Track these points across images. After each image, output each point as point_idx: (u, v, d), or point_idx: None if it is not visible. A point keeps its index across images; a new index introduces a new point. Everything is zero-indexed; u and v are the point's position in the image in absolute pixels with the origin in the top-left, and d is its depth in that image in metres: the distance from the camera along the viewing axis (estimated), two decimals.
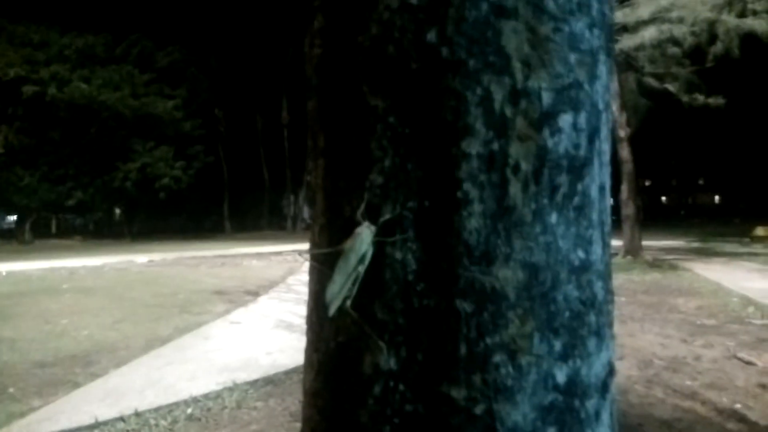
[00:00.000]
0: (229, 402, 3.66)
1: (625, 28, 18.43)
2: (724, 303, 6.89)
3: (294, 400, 3.65)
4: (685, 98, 15.24)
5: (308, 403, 0.74)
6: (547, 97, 0.63)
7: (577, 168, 0.66)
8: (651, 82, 18.01)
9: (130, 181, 24.35)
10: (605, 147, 0.70)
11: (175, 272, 11.28)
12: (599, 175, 0.69)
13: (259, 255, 14.63)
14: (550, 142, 0.64)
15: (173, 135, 25.43)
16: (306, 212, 31.89)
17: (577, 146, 0.66)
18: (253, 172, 31.06)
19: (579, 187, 0.66)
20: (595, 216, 0.68)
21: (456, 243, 0.63)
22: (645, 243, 12.66)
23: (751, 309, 6.39)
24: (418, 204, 0.64)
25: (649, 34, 17.71)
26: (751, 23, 16.15)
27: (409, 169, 0.64)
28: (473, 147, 0.62)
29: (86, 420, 3.31)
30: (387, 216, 0.64)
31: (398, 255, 0.64)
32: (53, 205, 24.98)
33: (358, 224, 0.65)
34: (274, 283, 9.15)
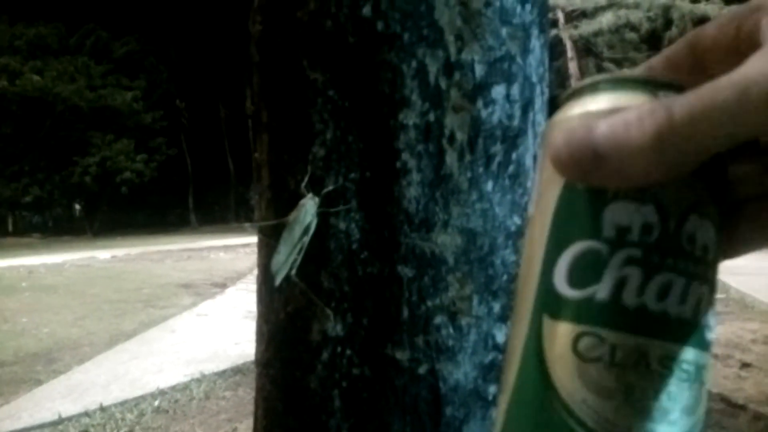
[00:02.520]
0: (197, 393, 3.64)
1: (584, 14, 18.78)
2: None
3: None
4: None
5: (260, 373, 0.76)
6: (479, 70, 0.66)
7: (511, 138, 0.69)
8: (610, 67, 18.44)
9: (90, 176, 23.66)
10: (540, 118, 0.74)
11: (139, 267, 11.07)
12: (534, 144, 0.72)
13: (226, 247, 14.46)
14: (483, 113, 0.67)
15: (133, 128, 24.79)
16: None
17: (510, 117, 0.69)
18: (218, 164, 30.56)
19: (513, 156, 0.69)
20: (530, 184, 0.72)
21: (396, 211, 0.65)
22: None
23: None
24: (359, 175, 0.66)
25: (606, 19, 18.10)
26: (704, 8, 16.63)
27: (350, 141, 0.66)
28: (410, 118, 0.65)
29: (49, 417, 3.25)
30: (330, 187, 0.66)
31: (342, 225, 0.66)
32: (9, 202, 24.12)
33: (302, 196, 0.67)
34: (242, 275, 9.08)
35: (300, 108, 0.68)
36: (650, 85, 0.22)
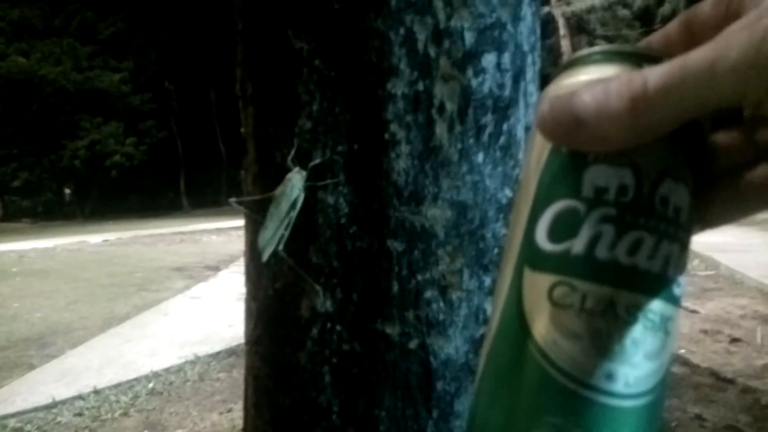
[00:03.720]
0: (192, 375, 3.65)
1: None
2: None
3: None
4: None
5: (249, 351, 0.75)
6: (469, 37, 0.64)
7: (502, 108, 0.67)
8: (603, 44, 18.31)
9: (79, 160, 23.40)
10: (531, 88, 0.72)
11: (131, 251, 11.01)
12: (525, 115, 0.71)
13: (218, 230, 14.40)
14: (474, 82, 0.65)
15: (122, 110, 24.46)
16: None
17: (501, 86, 0.67)
18: (209, 147, 30.29)
19: (504, 126, 0.68)
20: (521, 156, 0.70)
21: (385, 184, 0.64)
22: None
23: (696, 261, 6.72)
24: (347, 147, 0.64)
25: None
26: None
27: (337, 113, 0.64)
28: (398, 88, 0.63)
29: (43, 400, 3.24)
30: (317, 160, 0.65)
31: (330, 199, 0.65)
32: None
33: (289, 170, 0.65)
34: (234, 258, 9.05)
35: (285, 79, 0.66)
36: (637, 57, 0.24)
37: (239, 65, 0.74)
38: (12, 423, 3.00)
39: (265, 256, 0.65)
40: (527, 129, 0.71)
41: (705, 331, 4.11)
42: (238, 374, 3.67)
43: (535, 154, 0.26)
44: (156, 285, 6.98)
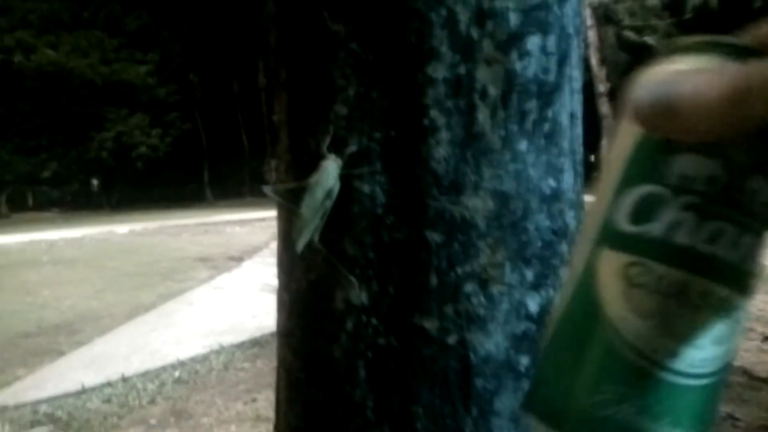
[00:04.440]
0: (216, 364, 3.69)
1: None
2: None
3: None
4: None
5: (282, 344, 0.73)
6: (514, 18, 0.61)
7: (547, 93, 0.64)
8: (630, 35, 17.95)
9: (106, 151, 23.84)
10: (576, 74, 0.69)
11: (157, 241, 11.19)
12: (570, 102, 0.67)
13: (242, 221, 14.55)
14: (518, 66, 0.62)
15: (147, 102, 24.80)
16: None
17: (546, 70, 0.64)
18: (232, 138, 30.55)
19: (549, 113, 0.64)
20: (566, 144, 0.67)
21: (424, 173, 0.61)
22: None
23: None
24: (384, 134, 0.62)
25: None
26: None
27: (374, 98, 0.62)
28: (439, 71, 0.60)
29: (73, 387, 3.32)
30: (353, 148, 0.62)
31: (366, 188, 0.63)
32: (28, 177, 24.41)
33: (323, 158, 0.63)
34: (257, 249, 9.13)
35: (320, 63, 0.63)
36: (736, 49, 0.24)
37: (272, 50, 0.72)
38: (44, 408, 3.07)
39: (300, 247, 0.63)
40: (572, 116, 0.68)
41: None
42: (262, 364, 3.70)
43: (623, 138, 0.26)
44: (181, 275, 7.08)
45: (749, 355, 3.49)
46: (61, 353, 4.07)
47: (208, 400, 3.16)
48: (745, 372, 3.22)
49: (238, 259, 8.13)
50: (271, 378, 3.42)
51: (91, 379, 3.44)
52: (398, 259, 0.62)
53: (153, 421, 2.94)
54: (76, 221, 17.78)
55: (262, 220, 14.46)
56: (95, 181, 28.01)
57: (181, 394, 3.26)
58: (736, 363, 3.35)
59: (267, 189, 0.67)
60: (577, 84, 0.69)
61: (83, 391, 3.28)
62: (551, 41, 0.64)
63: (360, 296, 0.63)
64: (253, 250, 8.96)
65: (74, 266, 8.23)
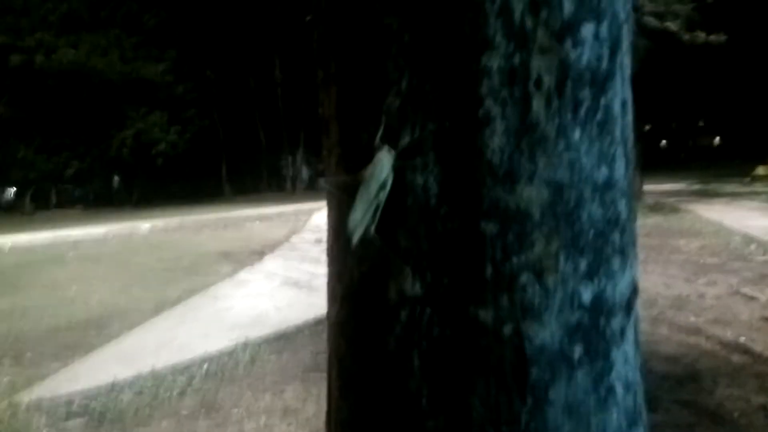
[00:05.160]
0: (243, 358, 3.74)
1: None
2: (726, 242, 6.94)
3: (306, 354, 3.73)
4: (686, 36, 14.88)
5: (334, 333, 0.74)
6: (568, 6, 0.60)
7: (600, 81, 0.64)
8: (651, 21, 17.58)
9: (127, 149, 24.15)
10: (626, 61, 0.68)
11: (178, 237, 11.34)
12: (621, 89, 0.67)
13: (260, 216, 14.66)
14: (572, 54, 0.61)
15: (166, 99, 25.03)
16: (304, 172, 31.73)
17: (599, 58, 0.63)
18: (249, 134, 30.73)
19: (602, 101, 0.64)
20: (618, 132, 0.66)
21: (478, 163, 0.61)
22: (646, 188, 12.62)
23: (753, 246, 6.44)
24: (437, 125, 0.62)
25: None
26: None
27: (428, 90, 0.62)
28: (494, 61, 0.60)
29: (105, 379, 3.38)
30: (406, 140, 0.63)
31: (419, 179, 0.63)
32: (51, 176, 24.87)
33: (376, 151, 0.63)
34: (278, 243, 9.20)
35: (373, 56, 0.63)
36: None
37: (320, 47, 0.72)
38: (77, 401, 3.15)
39: (356, 239, 0.64)
40: (623, 104, 0.67)
41: (766, 319, 3.93)
42: (288, 357, 3.74)
43: None
44: (204, 269, 7.16)
45: None
46: (91, 347, 4.16)
47: (237, 393, 3.21)
48: None
49: (260, 254, 8.20)
50: (297, 370, 3.46)
51: (122, 372, 3.51)
52: (452, 250, 0.62)
53: (184, 413, 2.99)
54: (99, 218, 18.08)
55: (280, 214, 14.57)
56: (117, 179, 28.44)
57: (210, 387, 3.31)
58: (767, 353, 3.29)
59: (324, 181, 0.68)
60: (628, 71, 0.69)
61: (115, 385, 3.35)
62: (604, 28, 0.63)
63: (414, 287, 0.64)
64: (274, 245, 9.03)
65: (100, 262, 8.38)
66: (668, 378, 3.07)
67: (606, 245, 0.66)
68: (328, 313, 0.76)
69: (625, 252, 0.68)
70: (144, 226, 13.91)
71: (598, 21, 0.63)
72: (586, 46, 0.62)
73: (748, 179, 16.71)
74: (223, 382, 3.37)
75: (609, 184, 0.65)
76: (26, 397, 3.23)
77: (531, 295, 0.62)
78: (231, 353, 3.83)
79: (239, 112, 29.95)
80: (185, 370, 3.56)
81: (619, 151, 0.66)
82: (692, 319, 4.08)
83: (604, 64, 0.64)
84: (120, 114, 24.20)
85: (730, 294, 4.77)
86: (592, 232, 0.65)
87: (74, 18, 23.92)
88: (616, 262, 0.67)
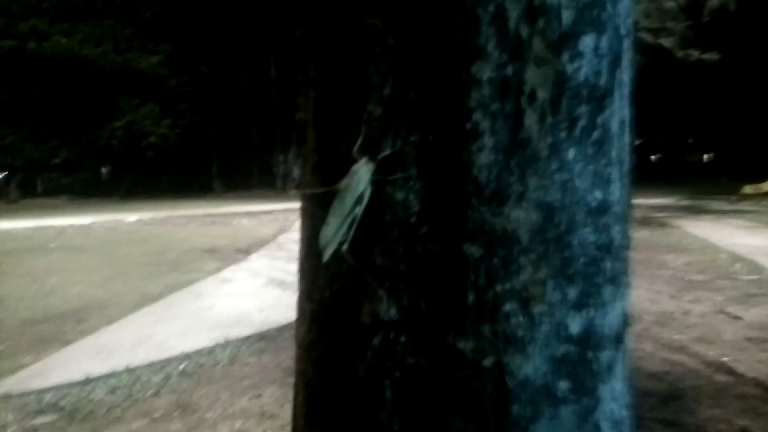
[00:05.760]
0: (222, 358, 3.66)
1: None
2: (712, 259, 6.96)
3: (287, 356, 3.66)
4: (679, 54, 15.01)
5: (302, 356, 0.69)
6: (567, 16, 0.56)
7: (598, 98, 0.59)
8: (646, 37, 17.74)
9: (117, 139, 23.91)
10: (626, 77, 0.64)
11: (164, 231, 11.20)
12: (620, 108, 0.62)
13: (249, 214, 14.54)
14: (569, 68, 0.57)
15: (159, 92, 24.84)
16: (296, 171, 31.60)
17: (598, 73, 0.59)
18: (242, 131, 30.57)
19: (599, 120, 0.60)
20: (614, 153, 0.62)
21: (464, 181, 0.56)
22: (634, 201, 12.62)
23: (738, 265, 6.45)
24: (421, 137, 0.57)
25: None
26: None
27: (412, 98, 0.57)
28: (485, 72, 0.55)
29: (78, 376, 3.29)
30: (387, 151, 0.58)
31: (399, 195, 0.58)
32: (39, 163, 24.56)
33: (354, 161, 0.58)
34: (264, 242, 9.11)
35: (354, 59, 0.59)
36: None
37: (299, 44, 0.67)
38: (48, 397, 3.05)
39: (326, 255, 0.59)
40: (621, 124, 0.63)
41: (750, 339, 3.93)
42: (268, 359, 3.67)
43: None
44: (188, 266, 7.06)
45: (763, 366, 3.41)
46: (67, 341, 4.05)
47: (213, 395, 3.13)
48: (759, 383, 3.15)
49: (245, 252, 8.11)
50: (276, 373, 3.39)
51: (97, 368, 3.42)
52: (432, 273, 0.57)
53: (157, 414, 2.91)
54: (85, 208, 17.84)
55: (269, 212, 14.46)
56: (105, 169, 28.14)
57: (186, 387, 3.23)
58: (750, 374, 3.28)
59: (295, 191, 0.63)
60: (627, 89, 0.64)
61: (88, 381, 3.25)
62: (604, 42, 0.59)
63: (389, 311, 0.59)
64: (260, 243, 8.93)
65: (82, 254, 8.24)
66: (651, 395, 3.05)
67: (597, 273, 0.61)
68: (296, 333, 0.71)
69: (617, 281, 0.64)
70: (130, 218, 13.74)
71: (599, 33, 0.58)
72: (585, 60, 0.57)
73: (735, 197, 16.89)
74: (199, 383, 3.29)
75: (603, 208, 0.61)
76: None
77: (515, 325, 0.57)
78: (210, 353, 3.75)
79: (232, 108, 29.79)
80: (162, 368, 3.48)
81: (615, 174, 0.62)
82: (676, 336, 4.06)
83: (603, 79, 0.59)
84: (112, 104, 23.98)
85: (714, 312, 4.77)
86: (583, 258, 0.60)
87: (69, 6, 23.67)
88: (607, 292, 0.63)
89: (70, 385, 3.20)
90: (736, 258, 6.83)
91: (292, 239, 9.25)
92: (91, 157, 25.71)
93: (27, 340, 4.09)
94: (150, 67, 24.15)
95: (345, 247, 0.58)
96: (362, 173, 0.57)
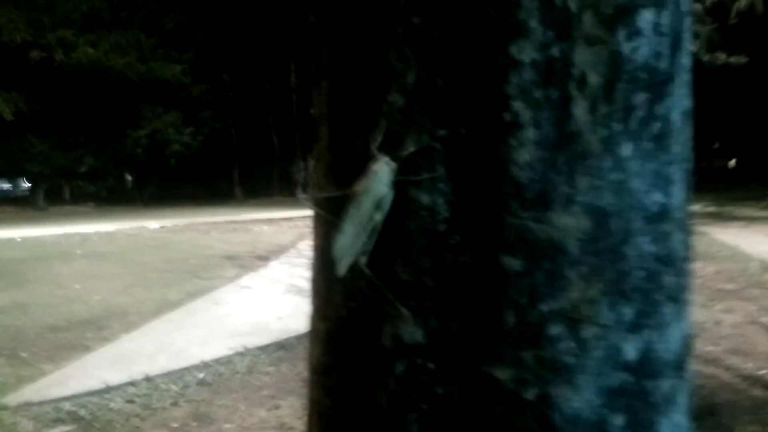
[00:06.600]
0: (241, 367, 3.62)
1: None
2: (743, 267, 6.74)
3: (306, 366, 3.60)
4: (705, 57, 14.72)
5: (315, 382, 0.61)
6: None
7: (658, 84, 0.50)
8: None
9: (141, 148, 24.30)
10: (687, 61, 0.55)
11: (186, 238, 11.29)
12: (681, 96, 0.54)
13: (269, 221, 14.60)
14: (626, 48, 0.48)
15: (182, 100, 25.21)
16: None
17: (658, 55, 0.50)
18: (263, 138, 30.82)
19: (659, 109, 0.51)
20: (676, 149, 0.53)
21: (502, 182, 0.48)
22: None
23: None
24: (450, 131, 0.49)
25: None
26: None
27: (440, 86, 0.49)
28: (526, 53, 0.47)
29: (96, 385, 3.28)
30: (410, 148, 0.50)
31: (426, 199, 0.50)
32: (66, 171, 25.06)
33: (373, 160, 0.51)
34: (284, 249, 9.11)
35: (373, 42, 0.51)
36: None
37: (313, 32, 0.60)
38: (66, 406, 3.03)
39: (342, 269, 0.51)
40: (684, 114, 0.54)
41: None
42: (287, 369, 3.61)
43: None
44: (208, 273, 7.07)
45: None
46: (87, 349, 4.06)
47: (231, 405, 3.08)
48: None
49: (265, 259, 8.11)
50: (294, 383, 3.34)
51: (115, 377, 3.40)
52: (464, 290, 0.49)
53: (175, 425, 2.87)
54: (110, 215, 18.15)
55: (290, 219, 14.50)
56: (129, 177, 28.62)
57: (204, 397, 3.19)
58: None
59: (304, 197, 0.55)
60: (688, 75, 0.56)
61: (107, 390, 3.23)
62: (665, 18, 0.50)
63: (414, 333, 0.51)
64: (280, 250, 8.93)
65: (106, 260, 8.33)
66: None
67: (656, 289, 0.52)
68: (309, 356, 0.63)
69: (678, 298, 0.55)
70: (153, 225, 13.90)
71: (659, 8, 0.50)
72: (644, 39, 0.49)
73: (764, 203, 16.40)
74: (217, 393, 3.25)
75: (663, 213, 0.52)
76: (15, 399, 3.12)
77: (562, 351, 0.49)
78: (228, 362, 3.72)
79: (254, 115, 30.07)
80: (180, 377, 3.45)
81: (677, 173, 0.53)
82: (709, 348, 3.90)
83: (664, 62, 0.51)
84: (136, 113, 24.39)
85: (748, 323, 4.59)
86: (640, 272, 0.51)
87: (95, 17, 24.20)
88: (667, 311, 0.54)
89: (89, 394, 3.18)
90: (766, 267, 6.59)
91: (311, 246, 9.22)
92: (116, 165, 26.17)
93: (48, 347, 4.11)
94: (173, 76, 24.54)
95: (363, 259, 0.50)
96: (382, 174, 0.49)
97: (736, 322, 4.53)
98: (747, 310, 4.83)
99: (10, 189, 28.55)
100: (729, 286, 5.78)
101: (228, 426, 2.84)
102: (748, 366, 3.50)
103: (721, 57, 16.11)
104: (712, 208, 16.48)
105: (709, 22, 17.65)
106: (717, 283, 5.97)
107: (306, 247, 9.22)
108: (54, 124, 24.12)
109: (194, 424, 2.87)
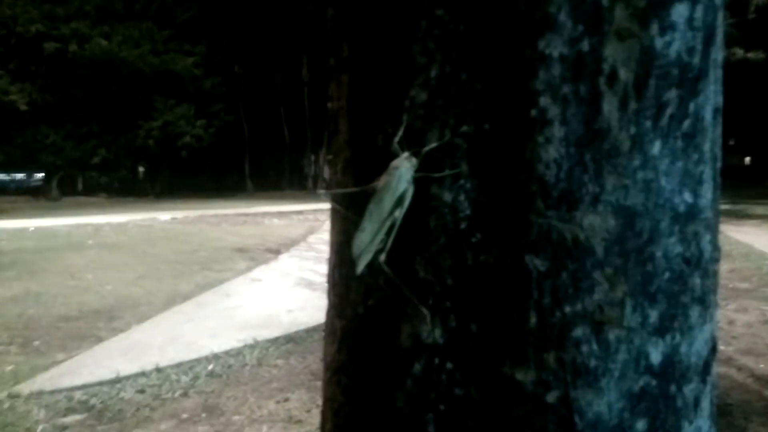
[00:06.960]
0: (250, 359, 3.63)
1: None
2: (757, 266, 6.66)
3: (315, 359, 3.60)
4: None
5: (330, 379, 0.60)
6: None
7: (690, 81, 0.49)
8: None
9: (153, 139, 24.45)
10: (719, 57, 0.53)
11: (197, 230, 11.36)
12: (714, 93, 0.52)
13: (280, 214, 14.64)
14: (658, 43, 0.47)
15: (194, 93, 25.31)
16: (326, 172, 31.78)
17: (691, 50, 0.48)
18: (274, 131, 30.87)
19: (691, 107, 0.49)
20: (707, 147, 0.52)
21: (527, 179, 0.47)
22: None
23: None
24: (474, 127, 0.48)
25: None
26: None
27: (464, 81, 0.48)
28: (555, 47, 0.45)
29: (108, 375, 3.31)
30: (433, 144, 0.49)
31: (447, 196, 0.49)
32: (79, 162, 25.28)
33: (394, 156, 0.50)
34: (295, 242, 9.13)
35: (395, 35, 0.50)
36: None
37: (332, 26, 0.59)
38: (78, 395, 3.06)
39: (361, 266, 0.50)
40: (715, 112, 0.53)
41: None
42: (296, 362, 3.62)
43: None
44: (219, 265, 7.10)
45: None
46: (99, 339, 4.09)
47: (241, 397, 3.10)
48: None
49: (275, 251, 8.13)
50: (304, 376, 3.34)
51: (127, 367, 3.43)
52: (485, 290, 0.48)
53: (185, 416, 2.89)
54: (122, 207, 18.30)
55: (300, 212, 14.54)
56: (141, 169, 28.82)
57: (213, 389, 3.21)
58: None
59: (322, 192, 0.54)
60: (720, 71, 0.54)
61: (118, 380, 3.26)
62: (699, 12, 0.49)
63: (433, 333, 0.50)
64: (291, 243, 8.96)
65: (117, 251, 8.40)
66: None
67: (684, 291, 0.51)
68: (324, 352, 0.62)
69: (706, 300, 0.53)
70: (165, 216, 14.00)
71: (693, 2, 0.48)
72: (677, 34, 0.47)
73: None
74: (227, 385, 3.26)
75: (692, 213, 0.51)
76: (27, 388, 3.16)
77: (586, 354, 0.48)
78: (238, 354, 3.74)
79: (265, 108, 30.11)
80: (190, 369, 3.47)
81: (708, 172, 0.52)
82: (722, 347, 3.85)
83: (697, 58, 0.49)
84: (148, 105, 24.53)
85: (761, 322, 4.54)
86: (667, 274, 0.50)
87: (109, 9, 24.32)
88: (694, 314, 0.52)
89: (101, 384, 3.21)
90: None
91: (322, 239, 9.23)
92: (128, 157, 26.35)
93: (61, 336, 4.15)
94: (186, 69, 24.63)
95: (382, 256, 0.49)
96: (403, 170, 0.48)
97: (749, 321, 4.47)
98: (761, 309, 4.77)
99: (24, 179, 28.83)
100: (743, 286, 5.72)
101: (237, 418, 2.85)
102: (761, 366, 3.46)
103: (739, 52, 15.85)
104: (726, 206, 16.28)
105: (727, 17, 17.40)
106: (730, 282, 5.90)
107: (316, 241, 9.24)
108: (67, 115, 24.31)
109: (204, 415, 2.89)
